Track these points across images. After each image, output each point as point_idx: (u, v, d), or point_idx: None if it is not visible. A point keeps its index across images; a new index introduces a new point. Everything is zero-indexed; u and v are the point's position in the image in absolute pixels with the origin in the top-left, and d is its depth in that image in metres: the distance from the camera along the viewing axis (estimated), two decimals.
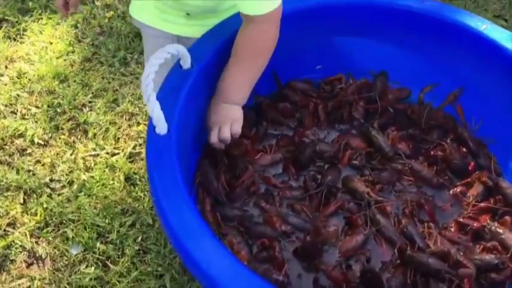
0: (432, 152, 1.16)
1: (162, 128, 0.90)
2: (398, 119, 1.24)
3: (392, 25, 1.19)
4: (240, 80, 1.07)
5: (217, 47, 1.07)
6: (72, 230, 1.45)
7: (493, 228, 0.96)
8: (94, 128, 1.72)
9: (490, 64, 1.11)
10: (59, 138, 1.69)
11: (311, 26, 1.20)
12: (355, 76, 1.29)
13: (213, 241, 0.76)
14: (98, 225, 1.45)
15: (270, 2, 1.00)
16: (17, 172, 1.58)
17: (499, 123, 1.14)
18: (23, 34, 2.05)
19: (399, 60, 1.24)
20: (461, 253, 0.93)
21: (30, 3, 2.16)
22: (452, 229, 0.99)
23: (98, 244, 1.41)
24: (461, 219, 1.00)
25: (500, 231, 0.94)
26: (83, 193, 1.53)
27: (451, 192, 1.07)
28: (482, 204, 1.00)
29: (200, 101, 1.05)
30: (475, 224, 0.99)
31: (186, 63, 1.01)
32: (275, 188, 1.07)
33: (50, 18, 2.11)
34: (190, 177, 1.06)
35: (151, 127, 0.90)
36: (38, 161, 1.62)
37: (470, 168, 1.13)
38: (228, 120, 1.05)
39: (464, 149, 1.16)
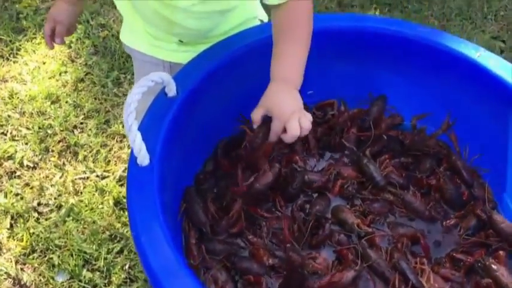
0: (425, 181, 1.13)
1: (143, 159, 0.87)
2: (391, 146, 1.21)
3: (385, 51, 1.16)
4: (301, 61, 1.00)
5: (203, 74, 1.04)
6: (59, 256, 1.42)
7: (487, 264, 0.92)
8: (84, 150, 1.69)
9: (484, 92, 1.09)
10: (49, 161, 1.66)
11: None
12: (347, 102, 1.26)
13: (194, 283, 0.72)
14: (85, 252, 1.42)
15: None
16: (5, 196, 1.55)
17: (492, 152, 1.12)
18: (17, 53, 2.04)
19: (392, 86, 1.22)
20: None
21: (25, 22, 2.15)
22: (446, 264, 0.96)
23: (85, 272, 1.38)
24: (454, 254, 0.97)
25: (495, 267, 0.91)
26: (71, 218, 1.50)
27: (444, 224, 1.04)
28: (473, 239, 0.97)
29: (186, 129, 1.02)
30: (469, 259, 0.95)
31: (172, 91, 0.99)
32: (262, 218, 1.04)
33: (44, 37, 2.09)
34: (175, 208, 1.03)
35: (132, 158, 0.88)
36: (27, 184, 1.60)
37: (464, 198, 1.10)
38: (300, 112, 0.95)
39: (457, 179, 1.13)
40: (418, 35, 1.13)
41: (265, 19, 1.25)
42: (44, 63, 2.00)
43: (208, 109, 1.10)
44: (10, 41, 2.07)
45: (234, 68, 1.10)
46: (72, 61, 2.02)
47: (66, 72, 1.97)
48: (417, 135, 1.21)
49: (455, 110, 1.17)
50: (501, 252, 0.94)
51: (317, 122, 1.24)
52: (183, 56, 1.17)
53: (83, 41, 2.09)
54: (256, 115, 0.98)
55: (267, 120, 0.98)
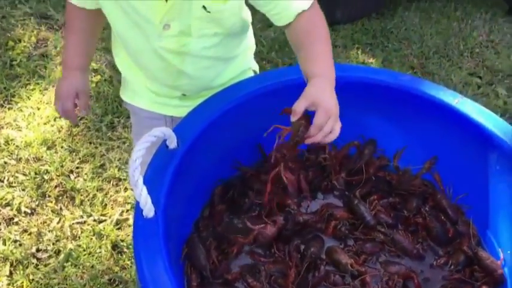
0: (412, 220, 1.19)
1: (149, 211, 0.92)
2: (379, 187, 1.28)
3: (371, 98, 1.24)
4: (331, 59, 1.04)
5: (202, 125, 1.10)
6: None
7: None
8: (81, 195, 1.73)
9: (463, 135, 1.17)
10: (46, 206, 1.69)
11: (294, 99, 1.25)
12: (338, 144, 1.33)
13: None
14: None
15: None
16: (4, 243, 1.58)
17: (473, 190, 1.18)
18: (11, 100, 2.08)
19: (378, 130, 1.29)
20: None
21: (18, 69, 2.21)
22: None
23: None
24: None
25: None
26: (69, 263, 1.53)
27: (435, 264, 1.10)
28: (457, 276, 1.03)
29: (189, 181, 1.08)
30: None
31: (172, 143, 1.04)
32: (260, 262, 1.09)
33: (38, 84, 2.15)
34: (178, 252, 1.08)
35: (138, 210, 0.92)
36: (25, 230, 1.62)
37: (450, 235, 1.16)
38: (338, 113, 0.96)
39: (443, 216, 1.20)
40: (400, 84, 1.21)
41: (258, 70, 1.33)
42: (39, 108, 2.05)
43: (207, 158, 1.16)
44: (4, 88, 2.12)
45: (231, 118, 1.16)
46: None
47: (60, 117, 2.01)
48: (403, 175, 1.28)
49: (437, 151, 1.25)
50: None
51: (308, 165, 1.31)
52: (185, 110, 1.23)
53: None
54: (299, 107, 0.95)
55: (306, 114, 0.97)
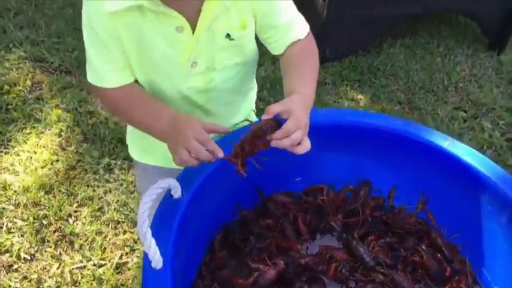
0: (410, 259, 1.23)
1: (157, 262, 0.94)
2: (376, 227, 1.32)
3: (365, 141, 1.29)
4: (315, 85, 1.10)
5: (204, 173, 1.14)
6: None
7: None
8: (80, 239, 1.74)
9: (454, 177, 1.22)
10: (46, 252, 1.70)
11: None
12: (334, 185, 1.38)
13: None
14: None
15: (304, 24, 1.15)
16: None
17: (467, 229, 1.23)
18: (7, 144, 2.11)
19: (372, 171, 1.34)
20: None
21: (14, 113, 2.24)
22: None
23: None
24: None
25: None
26: None
27: None
28: None
29: (193, 228, 1.11)
30: None
31: (177, 193, 1.08)
32: None
33: (34, 127, 2.18)
34: None
35: (146, 262, 0.95)
36: (25, 277, 1.63)
37: (447, 273, 1.20)
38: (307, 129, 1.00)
39: (439, 255, 1.24)
40: (393, 128, 1.27)
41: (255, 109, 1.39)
42: (36, 152, 2.07)
43: (208, 204, 1.20)
44: (1, 132, 2.15)
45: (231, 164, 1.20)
46: (63, 149, 2.10)
47: (57, 160, 2.04)
48: (398, 214, 1.33)
49: (430, 191, 1.29)
50: None
51: (306, 207, 1.35)
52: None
53: (73, 129, 2.18)
54: (273, 108, 0.97)
55: (277, 119, 0.99)
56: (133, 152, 1.33)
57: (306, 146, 0.99)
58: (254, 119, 1.42)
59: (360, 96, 2.49)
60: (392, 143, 1.28)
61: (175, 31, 1.03)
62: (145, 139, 1.22)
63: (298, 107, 1.00)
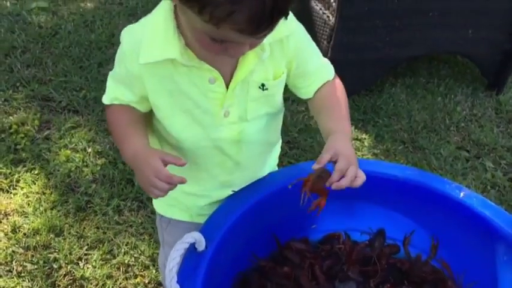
0: None
1: None
2: (392, 274, 1.34)
3: (381, 190, 1.32)
4: (349, 120, 1.15)
5: (227, 225, 1.16)
6: None
7: None
8: (91, 283, 1.74)
9: (469, 227, 1.24)
10: None
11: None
12: (349, 232, 1.40)
13: None
14: None
15: (330, 67, 1.21)
16: None
17: (483, 279, 1.25)
18: (16, 185, 2.11)
19: (388, 220, 1.36)
20: None
21: (23, 153, 2.24)
22: None
23: None
24: None
25: None
26: None
27: None
28: None
29: (215, 280, 1.12)
30: None
31: (201, 246, 1.09)
32: None
33: (43, 168, 2.19)
34: None
35: None
36: None
37: None
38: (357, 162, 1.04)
39: None
40: (408, 178, 1.30)
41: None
42: (45, 193, 2.08)
43: (229, 254, 1.21)
44: (9, 173, 2.15)
45: (251, 215, 1.22)
46: (73, 190, 2.10)
47: (67, 202, 2.04)
48: (414, 262, 1.35)
49: (445, 240, 1.32)
50: None
51: (324, 256, 1.36)
52: None
53: (82, 169, 2.19)
54: (324, 158, 1.01)
55: (324, 169, 1.04)
56: (159, 206, 1.34)
57: (362, 177, 1.04)
58: None
59: (364, 136, 2.53)
60: (407, 192, 1.31)
61: (208, 82, 1.05)
62: (173, 197, 1.21)
63: (342, 145, 1.05)
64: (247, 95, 1.10)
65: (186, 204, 1.30)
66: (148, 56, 1.01)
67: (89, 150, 2.29)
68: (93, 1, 3.44)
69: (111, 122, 1.15)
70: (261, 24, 0.82)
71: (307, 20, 2.78)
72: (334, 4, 2.55)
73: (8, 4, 3.31)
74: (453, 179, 2.29)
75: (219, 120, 1.11)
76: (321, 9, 2.69)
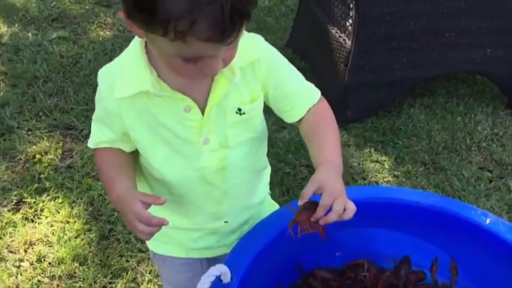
0: None
1: None
2: None
3: (405, 217, 1.32)
4: (339, 149, 1.13)
5: (253, 255, 1.16)
6: None
7: None
8: None
9: (496, 253, 1.23)
10: None
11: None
12: (374, 260, 1.39)
13: None
14: None
15: (315, 90, 1.20)
16: None
17: None
18: (41, 214, 2.14)
19: (413, 247, 1.35)
20: None
21: (47, 183, 2.28)
22: None
23: None
24: None
25: None
26: None
27: None
28: None
29: None
30: None
31: (227, 278, 1.10)
32: None
33: (66, 197, 2.22)
34: None
35: None
36: None
37: None
38: (345, 196, 1.03)
39: None
40: (431, 204, 1.29)
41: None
42: (68, 222, 2.10)
43: (254, 285, 1.21)
44: (34, 202, 2.19)
45: (273, 245, 1.22)
46: (95, 218, 2.13)
47: (90, 230, 2.07)
48: None
49: (471, 267, 1.30)
50: None
51: (349, 284, 1.35)
52: (222, 250, 1.31)
53: (104, 197, 2.22)
54: (307, 192, 1.01)
55: (313, 200, 1.04)
56: (152, 244, 1.34)
57: (351, 209, 1.02)
58: (272, 203, 1.44)
59: (384, 158, 2.52)
60: (431, 219, 1.30)
61: (184, 111, 1.07)
62: (165, 233, 1.17)
63: (327, 178, 1.03)
64: (225, 120, 1.11)
65: (178, 240, 1.29)
66: (123, 91, 1.04)
67: None
68: (112, 29, 3.51)
69: (98, 165, 1.19)
70: (225, 29, 0.84)
71: (324, 43, 2.80)
72: (350, 28, 2.57)
73: (30, 35, 3.39)
74: (476, 200, 2.26)
75: (199, 149, 1.12)
76: (336, 32, 2.71)
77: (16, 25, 3.46)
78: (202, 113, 1.08)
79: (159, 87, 1.03)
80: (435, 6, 2.43)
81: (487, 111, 2.81)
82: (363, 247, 1.39)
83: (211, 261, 1.27)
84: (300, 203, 1.03)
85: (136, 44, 1.04)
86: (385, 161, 2.50)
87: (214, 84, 1.06)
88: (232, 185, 1.19)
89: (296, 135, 2.58)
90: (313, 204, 1.04)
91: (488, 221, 1.24)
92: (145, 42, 1.02)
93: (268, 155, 1.34)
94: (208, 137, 1.11)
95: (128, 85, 1.03)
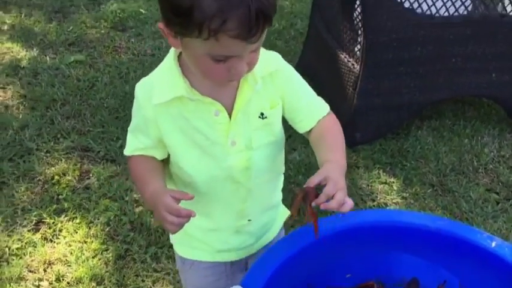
0: None
1: None
2: None
3: (413, 240, 1.37)
4: (344, 152, 1.25)
5: (267, 277, 1.22)
6: None
7: None
8: None
9: (500, 276, 1.27)
10: None
11: (343, 243, 1.38)
12: (383, 281, 1.44)
13: None
14: None
15: (324, 104, 1.31)
16: None
17: None
18: (59, 234, 2.21)
19: (422, 269, 1.40)
20: None
21: (66, 204, 2.36)
22: None
23: None
24: None
25: None
26: None
27: None
28: None
29: None
30: None
31: None
32: None
33: (84, 217, 2.29)
34: None
35: None
36: None
37: None
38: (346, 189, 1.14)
39: None
40: (439, 228, 1.34)
41: None
42: (86, 242, 2.17)
43: None
44: (53, 222, 2.26)
45: (289, 267, 1.28)
46: (112, 239, 2.20)
47: (107, 250, 2.13)
48: None
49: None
50: None
51: None
52: (246, 251, 1.41)
53: (120, 218, 2.29)
54: (313, 179, 1.12)
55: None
56: (181, 249, 1.44)
57: (349, 204, 1.12)
58: (285, 210, 1.54)
59: (392, 179, 2.57)
60: (439, 242, 1.35)
61: (214, 115, 1.19)
62: (194, 238, 1.37)
63: (333, 172, 1.13)
64: (249, 124, 1.22)
65: (206, 242, 1.39)
66: (160, 97, 1.17)
67: (127, 198, 2.39)
68: (127, 53, 3.62)
69: (133, 170, 1.30)
70: (251, 27, 0.96)
71: (333, 67, 2.88)
72: (358, 53, 2.65)
73: (48, 58, 3.51)
74: (484, 222, 2.31)
75: (227, 150, 1.22)
76: (345, 57, 2.79)
77: (35, 49, 3.59)
78: (229, 116, 1.20)
79: (192, 93, 1.16)
80: (441, 32, 2.50)
81: (494, 134, 2.87)
82: (373, 269, 1.44)
83: (234, 266, 1.43)
84: (306, 185, 1.13)
85: (171, 59, 1.18)
86: (393, 182, 2.55)
87: (239, 91, 1.19)
88: (255, 183, 1.30)
89: (306, 157, 2.65)
90: (315, 192, 1.13)
91: (494, 244, 1.29)
92: (178, 57, 1.17)
93: None
94: (235, 139, 1.22)
95: (164, 92, 1.16)
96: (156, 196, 1.13)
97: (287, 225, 1.54)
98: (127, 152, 1.29)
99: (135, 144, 1.26)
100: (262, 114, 1.22)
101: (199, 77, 1.13)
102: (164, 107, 1.17)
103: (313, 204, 1.12)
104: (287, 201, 2.31)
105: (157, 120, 1.19)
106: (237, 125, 1.20)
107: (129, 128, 1.28)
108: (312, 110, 1.29)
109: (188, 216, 1.09)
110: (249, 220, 1.37)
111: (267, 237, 1.46)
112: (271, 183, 1.39)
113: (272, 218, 1.46)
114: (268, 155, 1.29)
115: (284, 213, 1.52)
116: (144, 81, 1.23)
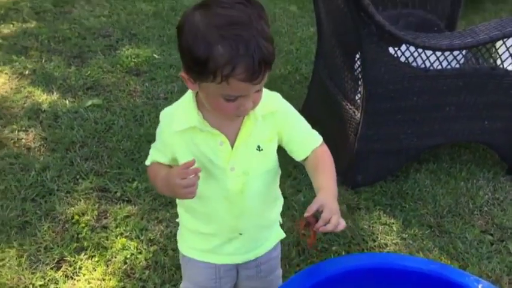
0: None
1: None
2: None
3: (408, 282, 1.52)
4: (335, 181, 1.47)
5: None
6: None
7: None
8: None
9: None
10: None
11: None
12: None
13: None
14: None
15: (318, 136, 1.54)
16: None
17: None
18: (79, 272, 2.36)
19: None
20: None
21: (85, 242, 2.51)
22: None
23: None
24: None
25: None
26: None
27: None
28: None
29: None
30: None
31: None
32: None
33: (102, 255, 2.45)
34: None
35: None
36: None
37: None
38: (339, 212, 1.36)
39: None
40: (431, 270, 1.50)
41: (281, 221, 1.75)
42: (104, 279, 2.32)
43: None
44: (73, 260, 2.41)
45: None
46: (129, 276, 2.34)
47: (124, 287, 2.28)
48: None
49: None
50: None
51: None
52: (237, 258, 1.66)
53: (136, 256, 2.44)
54: (312, 207, 1.33)
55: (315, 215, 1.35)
56: (183, 248, 1.69)
57: (342, 224, 1.35)
58: (279, 232, 1.75)
59: (392, 221, 2.72)
60: (430, 284, 1.50)
61: (219, 144, 1.45)
62: (191, 238, 1.65)
63: (327, 199, 1.35)
64: (247, 154, 1.47)
65: (202, 244, 1.64)
66: (178, 125, 1.43)
67: (142, 237, 2.55)
68: (141, 97, 3.82)
69: (151, 174, 1.57)
70: (255, 72, 1.21)
71: (335, 113, 3.07)
72: (358, 101, 2.85)
73: (67, 102, 3.72)
74: (479, 262, 2.44)
75: (227, 174, 1.47)
76: (347, 104, 2.98)
77: (55, 93, 3.80)
78: (232, 147, 1.45)
79: (204, 125, 1.41)
80: (435, 84, 2.70)
81: (488, 177, 3.03)
82: None
83: (224, 270, 1.67)
84: (306, 215, 1.35)
85: (190, 95, 1.44)
86: (393, 223, 2.70)
87: (242, 126, 1.44)
88: (248, 205, 1.54)
89: (311, 198, 2.80)
90: (314, 218, 1.36)
91: (480, 286, 1.44)
92: (195, 94, 1.42)
93: (284, 215, 1.67)
94: (234, 166, 1.46)
95: (182, 121, 1.43)
96: (168, 174, 1.41)
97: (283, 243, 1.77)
98: (147, 162, 1.58)
99: (154, 157, 1.55)
100: (259, 146, 1.47)
101: (211, 111, 1.39)
102: (180, 134, 1.44)
103: (314, 229, 1.35)
104: (291, 243, 2.46)
105: (174, 145, 1.46)
106: (237, 154, 1.45)
107: (152, 145, 1.57)
108: (306, 142, 1.53)
109: (195, 172, 1.33)
110: (240, 234, 1.60)
111: (258, 251, 1.69)
112: (264, 206, 1.61)
113: (264, 236, 1.69)
114: (263, 181, 1.54)
115: (279, 234, 1.74)
116: (166, 111, 1.52)
